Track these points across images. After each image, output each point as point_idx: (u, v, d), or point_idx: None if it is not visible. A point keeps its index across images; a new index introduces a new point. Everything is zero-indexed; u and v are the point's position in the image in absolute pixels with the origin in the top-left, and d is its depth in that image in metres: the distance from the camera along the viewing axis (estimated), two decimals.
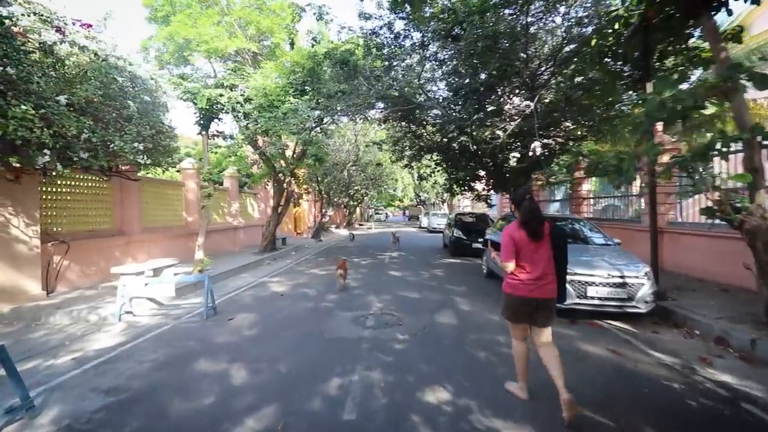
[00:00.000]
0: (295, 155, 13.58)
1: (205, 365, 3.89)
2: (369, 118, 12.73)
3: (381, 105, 12.14)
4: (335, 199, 21.65)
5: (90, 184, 8.06)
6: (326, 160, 14.63)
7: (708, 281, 6.92)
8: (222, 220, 13.85)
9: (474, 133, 9.79)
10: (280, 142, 10.07)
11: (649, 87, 6.10)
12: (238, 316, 5.70)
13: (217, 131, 10.61)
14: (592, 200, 11.92)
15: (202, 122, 10.27)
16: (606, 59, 6.10)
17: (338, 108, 9.85)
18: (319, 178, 20.35)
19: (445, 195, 36.45)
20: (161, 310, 6.33)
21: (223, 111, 10.07)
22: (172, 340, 4.74)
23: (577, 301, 5.08)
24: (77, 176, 7.65)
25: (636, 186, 12.07)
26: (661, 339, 4.70)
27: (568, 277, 4.21)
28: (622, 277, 5.07)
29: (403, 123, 12.81)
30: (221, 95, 9.69)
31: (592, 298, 5.05)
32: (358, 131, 19.98)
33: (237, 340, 4.64)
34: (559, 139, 10.62)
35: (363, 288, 7.47)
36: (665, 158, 6.84)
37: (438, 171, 15.42)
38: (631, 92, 7.02)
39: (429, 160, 15.39)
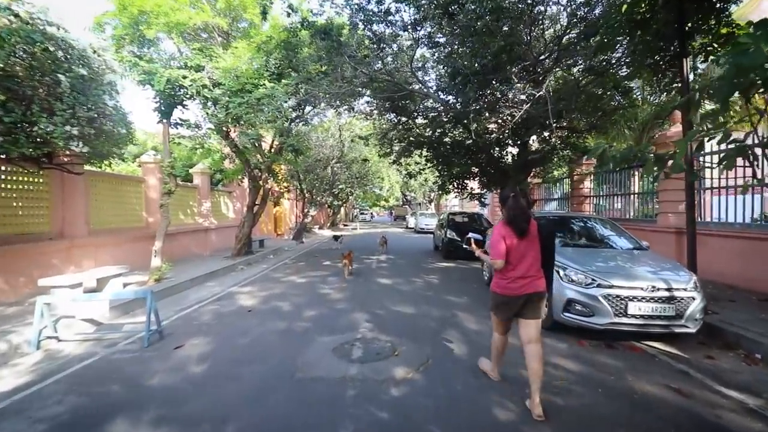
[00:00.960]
0: (272, 149, 12.34)
1: (119, 430, 2.71)
2: (354, 109, 11.58)
3: (368, 95, 11.05)
4: (318, 198, 20.39)
5: (15, 178, 6.69)
6: (307, 154, 13.40)
7: (742, 289, 6.07)
8: (191, 221, 12.49)
9: (473, 124, 8.76)
10: (253, 132, 8.82)
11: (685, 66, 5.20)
12: (188, 343, 4.49)
13: (181, 119, 9.28)
14: (594, 198, 11.10)
15: (162, 109, 8.93)
16: (636, 32, 5.14)
17: (320, 94, 8.67)
18: (301, 176, 19.07)
19: (432, 194, 35.63)
20: (97, 333, 5.06)
21: (187, 96, 8.76)
22: (93, 381, 3.53)
23: (615, 320, 4.09)
24: None
25: (636, 183, 11.45)
26: (721, 368, 3.76)
27: (604, 291, 4.12)
28: (669, 289, 4.10)
29: (393, 115, 11.73)
30: (184, 77, 8.38)
31: (634, 316, 4.07)
32: (343, 125, 18.77)
33: (176, 382, 3.45)
34: (562, 133, 9.72)
35: (348, 301, 6.33)
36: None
37: (428, 168, 14.41)
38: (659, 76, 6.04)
39: (419, 156, 14.37)
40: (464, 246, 11.19)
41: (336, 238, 13.35)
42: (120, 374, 3.66)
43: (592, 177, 11.11)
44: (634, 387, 3.28)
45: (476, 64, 7.15)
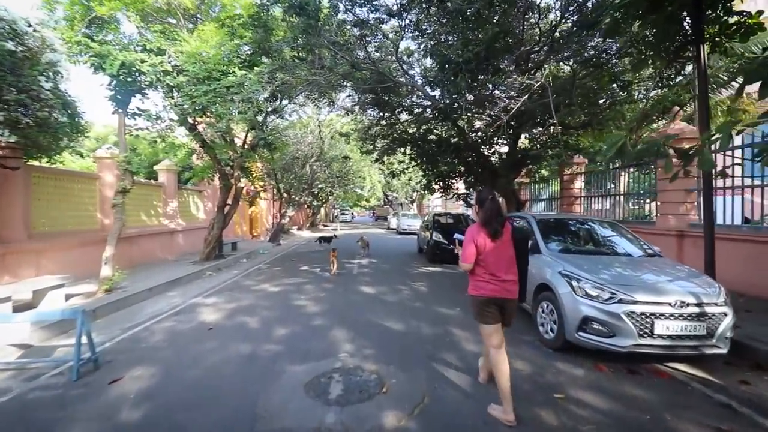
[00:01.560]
0: (245, 145, 11.42)
1: None
2: (335, 103, 10.78)
3: (349, 87, 10.30)
4: (296, 198, 19.45)
5: None
6: (283, 151, 12.50)
7: (753, 297, 5.66)
8: (155, 223, 11.42)
9: (462, 120, 8.14)
10: (221, 125, 7.92)
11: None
12: (128, 375, 3.65)
13: (139, 109, 8.26)
14: (584, 199, 10.69)
15: (118, 97, 7.92)
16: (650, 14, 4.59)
17: (296, 83, 7.86)
18: (278, 175, 18.10)
19: (415, 194, 35.13)
20: (21, 360, 4.15)
21: (146, 83, 7.78)
22: None
23: (640, 341, 3.50)
24: None
25: (623, 183, 11.13)
26: (763, 396, 3.21)
27: (627, 308, 3.58)
28: (699, 304, 3.54)
29: (376, 110, 11.02)
30: (142, 61, 7.42)
31: (662, 336, 3.48)
32: (323, 121, 17.90)
33: None
34: (554, 129, 9.23)
35: (327, 315, 5.56)
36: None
37: (412, 167, 13.78)
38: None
39: (403, 154, 13.71)
40: (451, 247, 10.63)
41: (328, 239, 12.52)
42: (35, 421, 2.80)
43: (582, 177, 10.71)
44: (675, 428, 2.68)
45: (468, 53, 6.52)
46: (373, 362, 3.76)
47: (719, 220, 6.17)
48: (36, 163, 7.85)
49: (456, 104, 7.48)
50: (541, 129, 8.83)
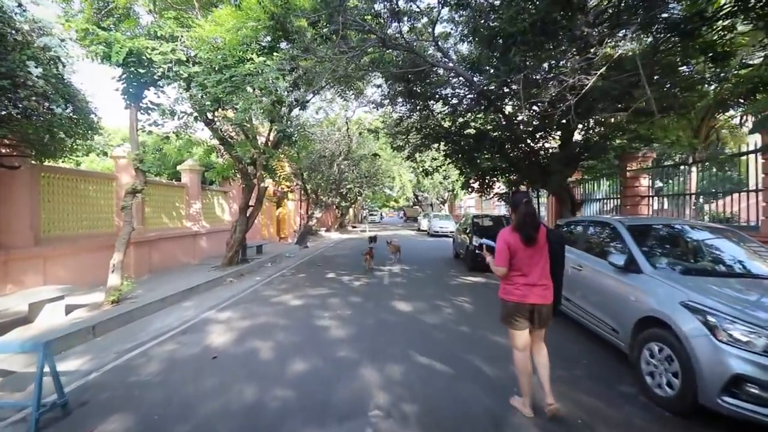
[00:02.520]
0: (269, 143, 10.68)
1: None
2: (363, 93, 9.81)
3: (379, 73, 9.30)
4: (324, 199, 18.69)
5: None
6: (307, 147, 11.67)
7: None
8: (177, 225, 10.89)
9: (509, 106, 6.94)
10: (238, 118, 7.13)
11: None
12: (99, 429, 2.80)
13: (152, 103, 7.62)
14: (653, 199, 9.16)
15: (130, 90, 7.31)
16: None
17: (318, 69, 6.93)
18: (305, 174, 17.41)
19: (446, 194, 33.72)
20: None
21: (159, 74, 7.11)
22: None
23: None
24: None
25: (694, 180, 9.50)
26: None
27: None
28: None
29: (407, 101, 9.97)
30: (153, 49, 6.74)
31: None
32: (351, 118, 17.02)
33: None
34: (620, 117, 7.83)
35: (354, 342, 4.53)
36: None
37: (447, 164, 12.61)
38: None
39: (436, 151, 12.59)
40: (477, 252, 9.47)
41: (374, 239, 11.95)
42: None
43: (650, 173, 9.19)
44: None
45: (523, 22, 5.35)
46: (416, 428, 2.71)
47: None
48: (50, 162, 7.39)
49: (504, 88, 6.31)
50: (605, 115, 7.43)
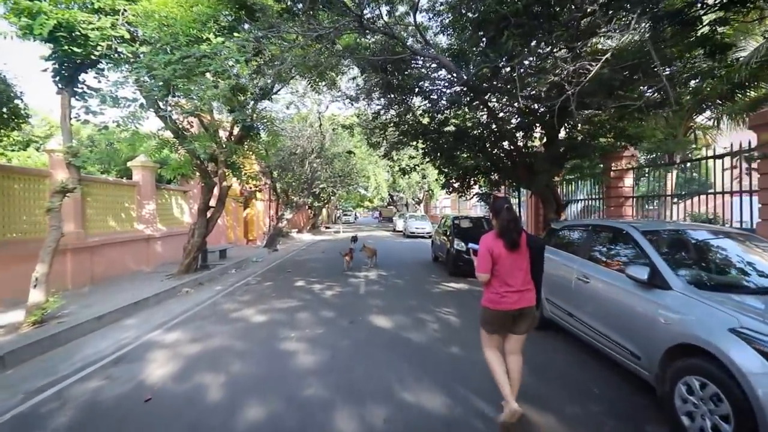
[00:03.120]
0: (232, 137, 9.71)
1: None
2: (336, 84, 9.03)
3: (353, 65, 8.56)
4: (295, 199, 17.70)
5: None
6: (275, 144, 10.76)
7: None
8: (127, 228, 9.72)
9: (496, 99, 6.38)
10: (190, 108, 6.21)
11: None
12: None
13: (89, 88, 6.54)
14: (635, 201, 8.90)
15: (63, 73, 6.21)
16: None
17: (286, 56, 6.11)
18: (274, 173, 16.38)
19: (422, 194, 33.32)
20: None
21: (97, 54, 6.05)
22: None
23: None
24: None
25: (671, 182, 9.39)
26: None
27: None
28: None
29: (385, 94, 9.28)
30: (87, 23, 5.70)
31: None
32: (323, 113, 16.13)
33: None
34: (607, 113, 7.48)
35: (325, 375, 3.73)
36: None
37: (424, 163, 12.03)
38: None
39: (414, 149, 11.98)
40: (465, 256, 9.01)
41: (354, 239, 11.47)
42: None
43: (634, 173, 8.92)
44: None
45: (517, 4, 4.77)
46: None
47: None
48: None
49: (492, 80, 5.73)
50: (596, 111, 7.01)
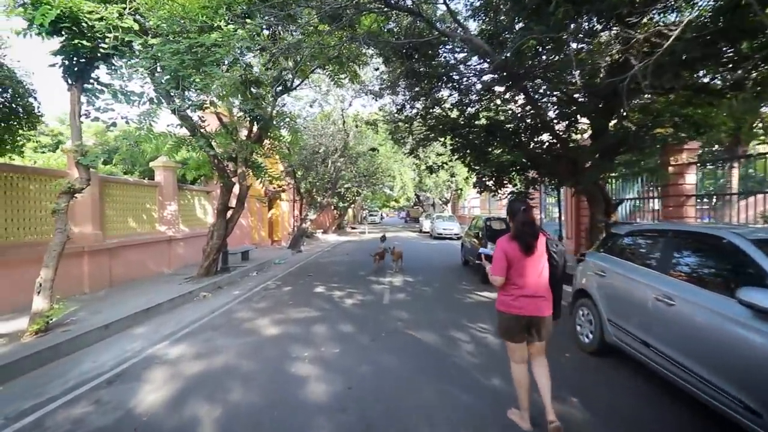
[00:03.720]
0: (251, 135, 9.31)
1: None
2: (358, 76, 8.42)
3: (376, 53, 7.92)
4: (319, 199, 17.29)
5: None
6: (296, 141, 10.28)
7: None
8: (148, 230, 9.53)
9: (537, 86, 5.55)
10: (198, 99, 5.77)
11: None
12: None
13: (99, 83, 6.24)
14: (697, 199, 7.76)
15: (74, 69, 5.93)
16: None
17: (304, 44, 5.54)
18: (297, 173, 16.01)
19: (449, 194, 32.27)
20: None
21: (106, 48, 5.71)
22: None
23: None
24: None
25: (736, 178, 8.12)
26: None
27: None
28: None
29: (409, 84, 8.59)
30: (91, 12, 5.35)
31: None
32: (346, 109, 15.61)
33: None
34: (665, 97, 6.47)
35: (337, 414, 3.05)
36: None
37: (453, 161, 11.23)
38: None
39: (442, 145, 11.21)
40: (476, 262, 8.35)
41: (383, 239, 11.31)
42: None
43: (697, 168, 7.78)
44: None
45: None
46: None
47: None
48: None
49: (530, 64, 4.90)
50: (647, 98, 6.04)
